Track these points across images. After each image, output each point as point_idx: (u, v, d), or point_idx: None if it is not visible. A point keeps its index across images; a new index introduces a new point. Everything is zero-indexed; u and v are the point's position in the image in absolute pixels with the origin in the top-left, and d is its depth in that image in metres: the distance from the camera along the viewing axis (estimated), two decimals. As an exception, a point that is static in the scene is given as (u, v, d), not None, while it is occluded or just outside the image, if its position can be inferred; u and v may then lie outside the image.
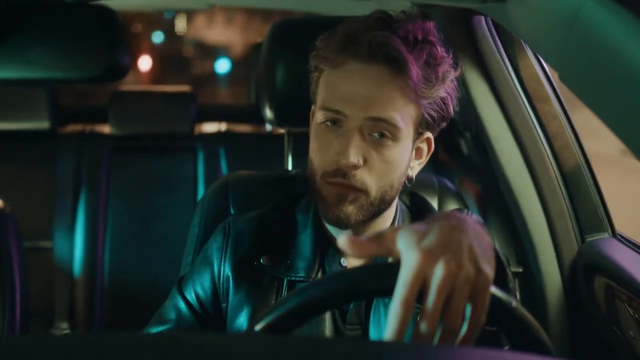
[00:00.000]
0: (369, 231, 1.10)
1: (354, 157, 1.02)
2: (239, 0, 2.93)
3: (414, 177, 1.13)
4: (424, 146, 1.14)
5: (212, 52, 10.89)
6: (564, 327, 1.48)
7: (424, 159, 1.15)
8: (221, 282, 1.14)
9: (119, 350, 0.51)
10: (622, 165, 3.39)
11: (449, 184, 1.41)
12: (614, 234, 1.48)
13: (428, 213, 1.18)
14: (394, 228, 0.79)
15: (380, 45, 1.01)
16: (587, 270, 1.45)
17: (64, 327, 2.51)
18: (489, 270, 0.73)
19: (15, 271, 1.41)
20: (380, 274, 0.75)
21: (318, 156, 1.07)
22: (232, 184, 1.38)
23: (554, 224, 1.48)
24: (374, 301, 1.10)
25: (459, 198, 1.39)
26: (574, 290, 1.47)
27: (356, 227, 1.08)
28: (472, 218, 0.81)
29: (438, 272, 0.70)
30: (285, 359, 0.53)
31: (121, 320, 2.51)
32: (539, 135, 1.48)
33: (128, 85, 3.68)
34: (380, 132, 1.03)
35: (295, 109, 1.32)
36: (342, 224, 1.07)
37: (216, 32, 10.82)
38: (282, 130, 1.63)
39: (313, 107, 1.14)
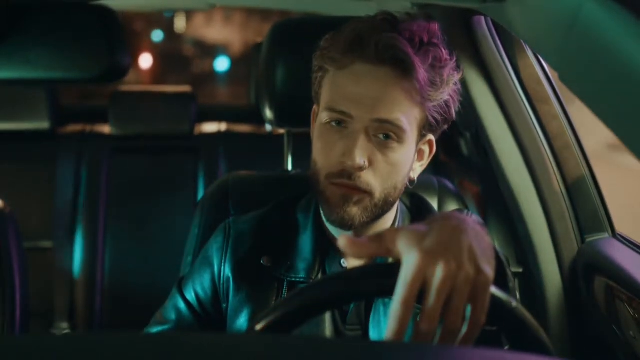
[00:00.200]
0: (370, 232, 1.10)
1: (360, 158, 1.02)
2: (239, 0, 2.93)
3: (415, 179, 1.13)
4: (426, 148, 1.14)
5: (211, 50, 10.91)
6: (564, 327, 1.48)
7: (426, 160, 1.15)
8: (221, 282, 1.14)
9: (119, 350, 0.51)
10: (608, 160, 3.39)
11: (449, 185, 1.41)
12: (614, 234, 1.48)
13: (428, 214, 1.19)
14: (394, 229, 0.80)
15: (387, 47, 1.00)
16: (587, 270, 1.45)
17: (64, 327, 2.51)
18: (489, 270, 0.73)
19: (15, 271, 1.41)
20: (380, 275, 0.75)
21: (322, 157, 1.07)
22: (232, 185, 1.38)
23: (554, 224, 1.48)
24: (374, 302, 1.09)
25: (459, 198, 1.39)
26: (574, 290, 1.47)
27: (358, 228, 1.08)
28: (472, 218, 0.81)
29: (438, 273, 0.70)
30: (285, 359, 0.53)
31: (121, 320, 2.50)
32: (539, 136, 1.48)
33: (129, 84, 3.68)
34: (386, 134, 1.03)
35: (296, 109, 1.32)
36: (346, 225, 1.07)
37: (215, 31, 10.83)
38: (282, 131, 1.63)
39: (315, 107, 1.14)
